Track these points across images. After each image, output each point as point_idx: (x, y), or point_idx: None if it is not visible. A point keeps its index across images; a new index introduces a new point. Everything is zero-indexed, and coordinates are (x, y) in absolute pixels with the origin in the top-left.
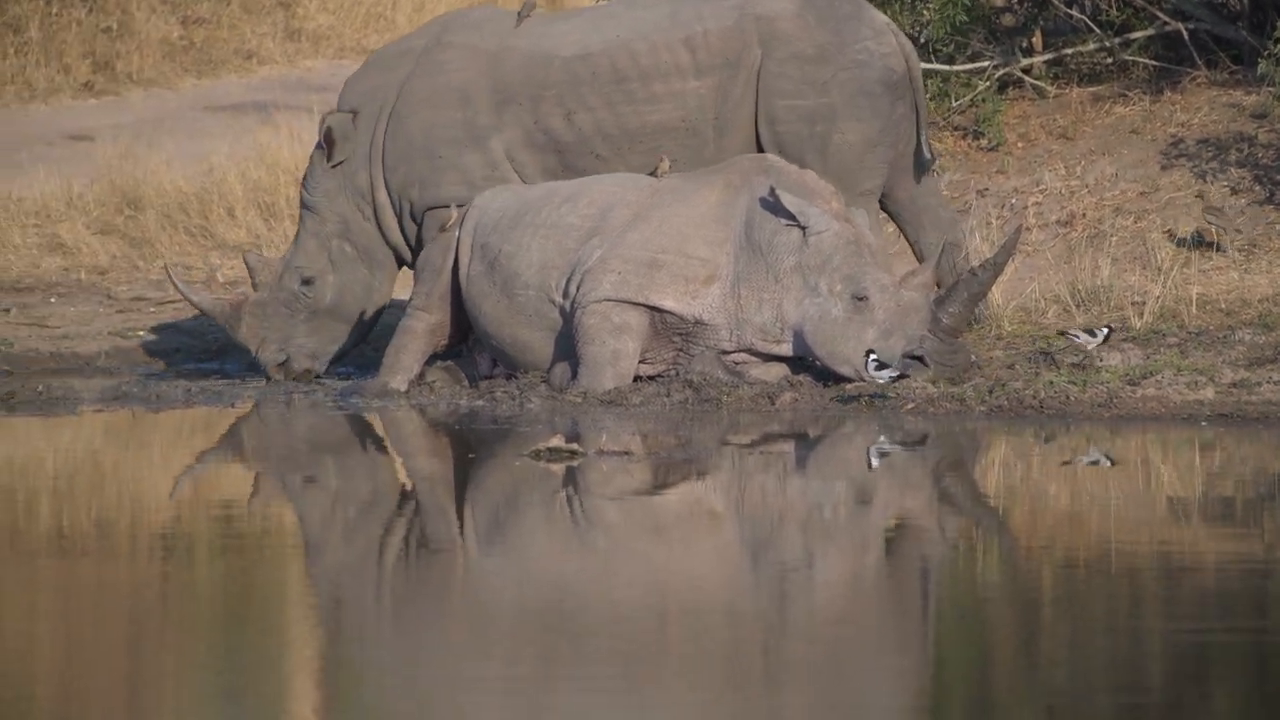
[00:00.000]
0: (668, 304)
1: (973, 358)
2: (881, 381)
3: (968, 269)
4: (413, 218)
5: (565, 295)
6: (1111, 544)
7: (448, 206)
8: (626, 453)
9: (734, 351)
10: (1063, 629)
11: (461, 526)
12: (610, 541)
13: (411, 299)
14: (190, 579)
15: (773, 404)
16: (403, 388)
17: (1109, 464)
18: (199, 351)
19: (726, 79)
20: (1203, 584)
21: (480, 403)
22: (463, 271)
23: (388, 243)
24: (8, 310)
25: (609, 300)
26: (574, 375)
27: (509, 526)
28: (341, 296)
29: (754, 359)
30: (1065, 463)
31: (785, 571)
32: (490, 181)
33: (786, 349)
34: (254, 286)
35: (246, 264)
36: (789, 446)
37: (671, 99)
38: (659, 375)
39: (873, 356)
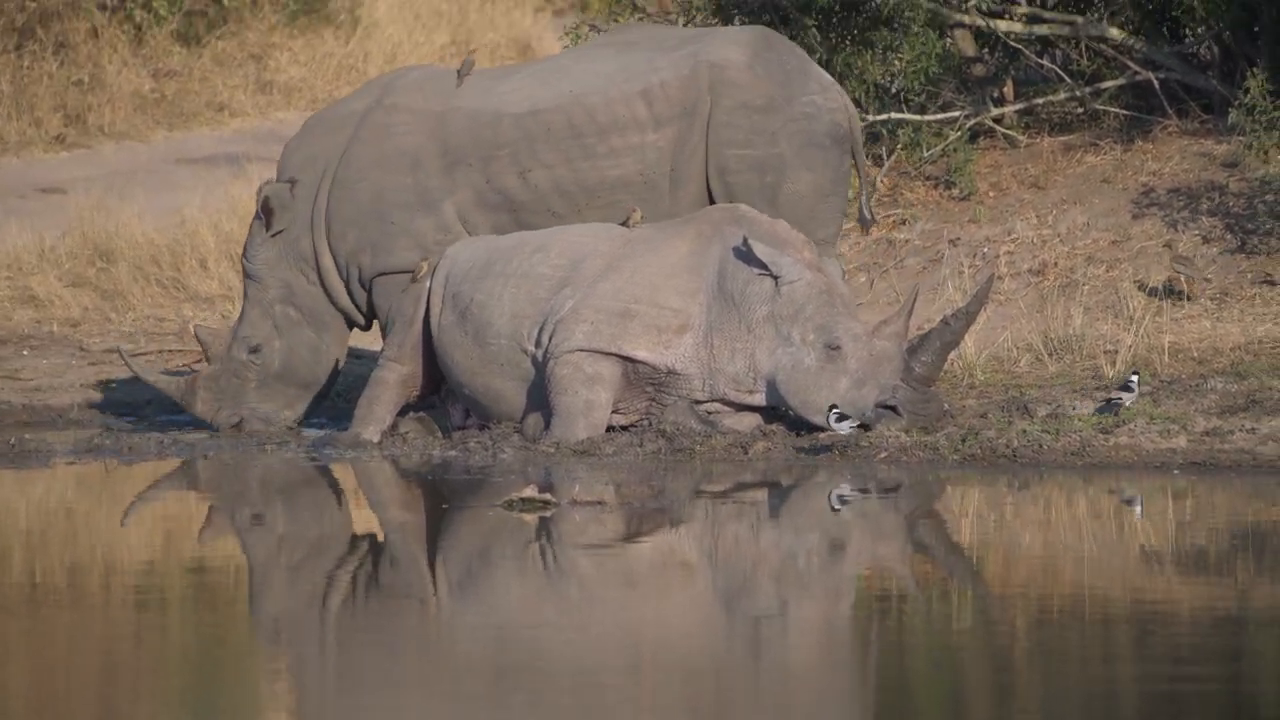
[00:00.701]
0: (640, 354)
1: (945, 407)
2: (844, 433)
3: (941, 318)
4: (361, 284)
5: (537, 345)
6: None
7: (400, 273)
8: (599, 503)
9: (707, 401)
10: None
11: (434, 577)
12: (583, 592)
13: (383, 350)
14: (162, 631)
15: (746, 453)
16: (375, 439)
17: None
18: (171, 403)
19: (684, 129)
20: (1178, 631)
21: (453, 453)
22: (434, 321)
23: (335, 306)
24: None
25: (581, 350)
26: (547, 426)
27: (481, 577)
28: (289, 360)
29: (727, 409)
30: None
31: (758, 622)
32: (443, 245)
33: (759, 399)
34: (207, 360)
35: (198, 338)
36: (762, 496)
37: (630, 153)
38: (632, 425)
39: (835, 409)
